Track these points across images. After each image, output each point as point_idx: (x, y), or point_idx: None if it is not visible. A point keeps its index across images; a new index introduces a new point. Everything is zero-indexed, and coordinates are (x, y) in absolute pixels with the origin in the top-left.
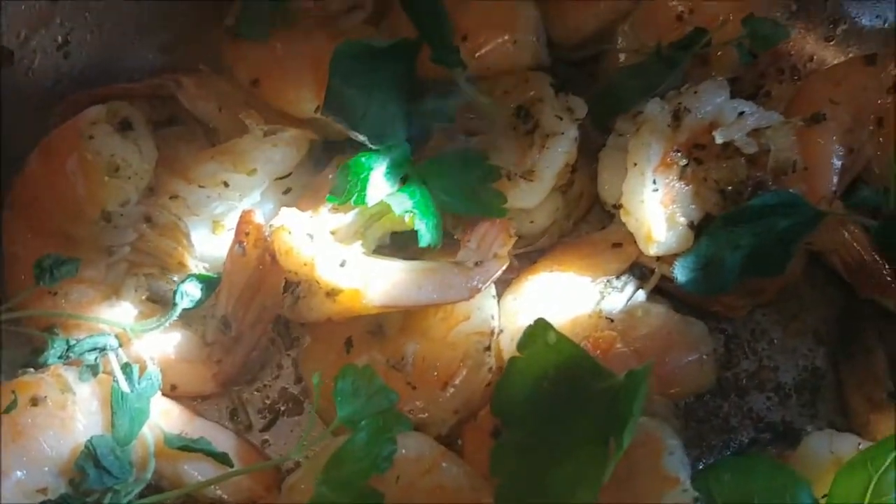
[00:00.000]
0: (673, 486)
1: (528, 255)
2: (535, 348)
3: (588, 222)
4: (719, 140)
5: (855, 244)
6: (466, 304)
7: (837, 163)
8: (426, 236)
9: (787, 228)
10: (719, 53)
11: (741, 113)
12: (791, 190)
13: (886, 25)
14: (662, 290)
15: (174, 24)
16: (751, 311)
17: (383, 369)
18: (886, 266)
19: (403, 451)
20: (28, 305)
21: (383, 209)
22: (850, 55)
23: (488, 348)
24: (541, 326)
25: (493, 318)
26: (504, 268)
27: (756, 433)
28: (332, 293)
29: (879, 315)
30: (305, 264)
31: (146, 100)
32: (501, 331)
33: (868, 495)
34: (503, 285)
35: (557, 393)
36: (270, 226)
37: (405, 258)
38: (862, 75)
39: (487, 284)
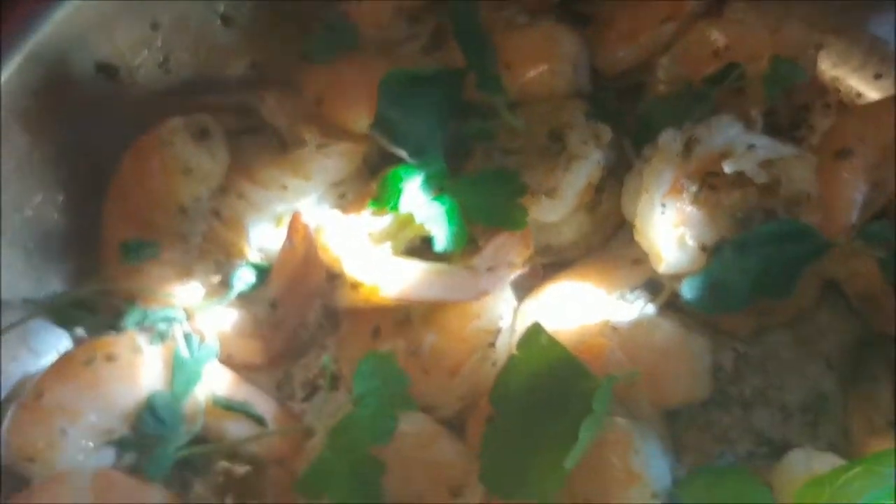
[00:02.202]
0: (636, 483)
1: (555, 266)
2: (530, 348)
3: (618, 239)
4: (728, 170)
5: (866, 276)
6: (479, 304)
7: (859, 197)
8: (441, 242)
9: (794, 255)
10: (755, 87)
11: (751, 145)
12: (804, 219)
13: None
14: (675, 307)
15: (261, 47)
16: (764, 332)
17: (403, 356)
18: None
19: (405, 427)
20: (115, 280)
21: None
22: None
23: (493, 344)
24: (535, 329)
25: (501, 318)
26: (515, 275)
27: (754, 447)
28: (355, 285)
29: (893, 347)
30: (336, 259)
31: (232, 111)
32: (515, 331)
33: None
34: (527, 291)
35: (546, 389)
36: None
37: (432, 261)
38: (892, 114)
39: (496, 289)
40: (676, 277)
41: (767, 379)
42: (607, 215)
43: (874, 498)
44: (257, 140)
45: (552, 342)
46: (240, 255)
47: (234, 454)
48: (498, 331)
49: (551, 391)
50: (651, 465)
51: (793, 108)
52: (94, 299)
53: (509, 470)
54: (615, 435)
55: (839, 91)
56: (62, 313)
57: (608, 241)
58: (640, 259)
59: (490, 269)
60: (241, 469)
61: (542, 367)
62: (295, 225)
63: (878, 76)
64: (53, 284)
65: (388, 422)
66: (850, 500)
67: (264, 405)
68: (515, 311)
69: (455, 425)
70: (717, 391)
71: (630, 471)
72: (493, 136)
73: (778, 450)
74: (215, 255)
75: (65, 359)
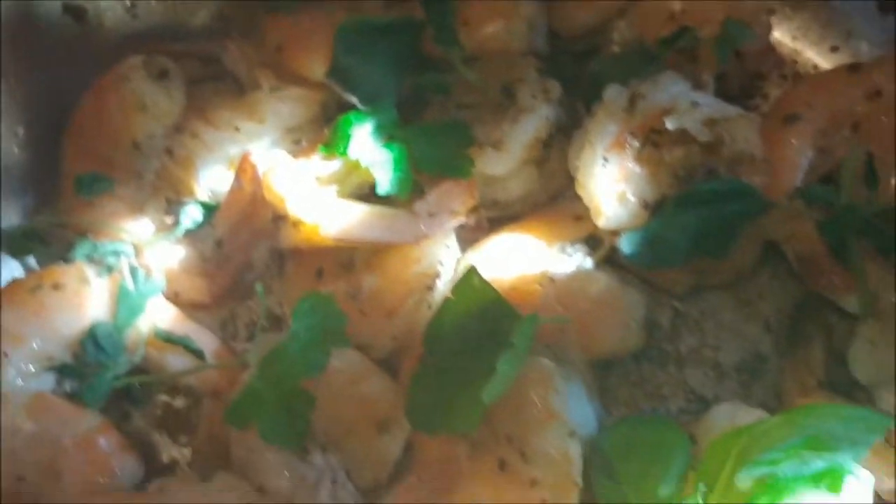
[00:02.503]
0: (554, 421)
1: (501, 221)
2: (464, 291)
3: (566, 198)
4: (669, 126)
5: (805, 238)
6: (420, 249)
7: (805, 162)
8: (384, 186)
9: (733, 214)
10: (707, 51)
11: (695, 103)
12: (746, 180)
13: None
14: (614, 262)
15: None
16: (704, 292)
17: (342, 297)
18: (835, 262)
19: (337, 362)
20: (70, 213)
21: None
22: None
23: (431, 288)
24: (470, 272)
25: (441, 264)
26: (457, 223)
27: (686, 404)
28: (297, 224)
29: (830, 310)
30: (281, 199)
31: (196, 59)
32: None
33: (730, 463)
34: (472, 244)
35: (476, 330)
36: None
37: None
38: (843, 82)
39: (436, 234)
40: (616, 233)
41: (704, 338)
42: (555, 173)
43: (789, 446)
44: (218, 87)
45: (485, 285)
46: (190, 193)
47: (173, 388)
48: (437, 275)
49: (481, 332)
50: (572, 407)
51: (745, 74)
52: (47, 231)
53: (433, 406)
54: (537, 374)
55: (796, 63)
56: (14, 243)
57: (555, 199)
58: (582, 215)
59: (432, 215)
60: (179, 403)
61: (474, 309)
62: (244, 165)
63: (834, 49)
64: (12, 217)
65: (319, 356)
66: (763, 448)
67: (206, 341)
68: (458, 261)
69: (390, 367)
70: (653, 348)
71: (549, 409)
72: (448, 89)
73: (710, 407)
74: (167, 192)
75: (12, 285)
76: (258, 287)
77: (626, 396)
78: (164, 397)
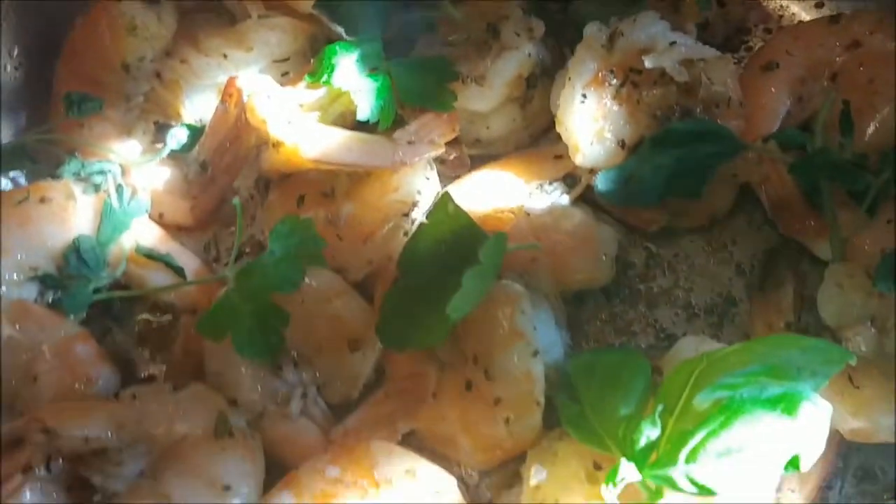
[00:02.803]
0: (519, 341)
1: (483, 159)
2: (438, 216)
3: (548, 140)
4: (648, 65)
5: (779, 181)
6: (399, 177)
7: (782, 109)
8: (364, 112)
9: (707, 155)
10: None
11: (673, 42)
12: (723, 123)
13: None
14: (590, 201)
15: None
16: (679, 234)
17: (321, 223)
18: (808, 207)
19: (312, 281)
20: (59, 132)
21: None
22: None
23: (407, 215)
24: (444, 198)
25: (419, 193)
26: (436, 153)
27: (656, 341)
28: (276, 145)
29: (803, 257)
30: (263, 121)
31: None
32: None
33: (689, 386)
34: (451, 181)
35: (449, 254)
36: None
37: None
38: (822, 33)
39: (413, 161)
40: (593, 171)
41: (677, 280)
42: (537, 113)
43: (749, 373)
44: (209, 17)
45: (459, 211)
46: (177, 117)
47: (153, 306)
48: (414, 204)
49: (453, 256)
50: (539, 332)
51: (730, 26)
52: (36, 148)
53: (404, 323)
54: (505, 295)
55: (781, 17)
56: (3, 158)
57: (536, 140)
58: (562, 155)
59: (411, 143)
60: (159, 321)
61: (448, 234)
62: (229, 89)
63: (819, 5)
64: (4, 136)
65: (295, 272)
66: (722, 373)
67: (187, 261)
68: (438, 194)
69: (365, 293)
70: (625, 287)
71: (514, 329)
72: (434, 27)
73: None
74: (155, 116)
75: None
76: (235, 202)
77: (595, 332)
78: (144, 316)
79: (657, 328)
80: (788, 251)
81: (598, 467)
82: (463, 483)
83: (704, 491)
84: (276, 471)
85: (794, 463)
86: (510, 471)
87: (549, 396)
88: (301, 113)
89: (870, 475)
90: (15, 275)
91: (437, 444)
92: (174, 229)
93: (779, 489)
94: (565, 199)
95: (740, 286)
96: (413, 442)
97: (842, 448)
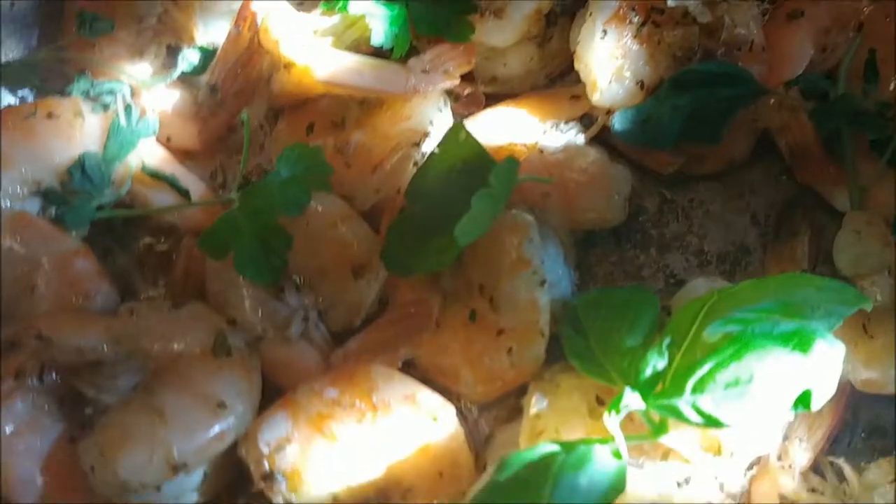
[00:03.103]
0: (526, 268)
1: (498, 98)
2: (449, 145)
3: (566, 81)
4: (670, 3)
5: (799, 127)
6: (411, 106)
7: (805, 57)
8: (378, 37)
9: (726, 98)
10: None
11: None
12: (744, 66)
13: None
14: (605, 142)
15: None
16: (694, 181)
17: (330, 151)
18: (827, 155)
19: (318, 205)
20: (70, 51)
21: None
22: None
23: (418, 145)
24: (456, 127)
25: (431, 123)
26: (450, 84)
27: (665, 286)
28: (288, 66)
29: (818, 206)
30: (276, 42)
31: None
32: None
33: (700, 319)
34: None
35: (459, 182)
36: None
37: None
38: None
39: (426, 89)
40: (610, 112)
41: (690, 226)
42: (555, 54)
43: (761, 308)
44: None
45: (470, 139)
46: (190, 40)
47: (156, 230)
48: (425, 134)
49: (463, 184)
50: (547, 264)
51: None
52: (47, 66)
53: (409, 249)
54: (514, 223)
55: None
56: (13, 75)
57: (553, 82)
58: (579, 95)
59: (425, 72)
60: (162, 246)
61: (458, 163)
62: (244, 12)
63: None
64: (17, 54)
65: (300, 194)
66: (734, 307)
67: (192, 185)
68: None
69: (372, 222)
70: (636, 231)
71: (521, 256)
72: None
73: None
74: (167, 39)
75: (6, 110)
76: (244, 116)
77: (604, 274)
78: (147, 239)
79: (667, 273)
80: (805, 202)
81: (600, 402)
82: (462, 416)
83: (711, 422)
84: (274, 396)
85: (804, 400)
86: (510, 405)
87: (554, 333)
88: (315, 38)
89: (879, 430)
90: (18, 188)
91: (437, 376)
92: (181, 154)
93: (786, 437)
94: (580, 139)
95: (755, 236)
96: (414, 374)
97: (852, 401)
